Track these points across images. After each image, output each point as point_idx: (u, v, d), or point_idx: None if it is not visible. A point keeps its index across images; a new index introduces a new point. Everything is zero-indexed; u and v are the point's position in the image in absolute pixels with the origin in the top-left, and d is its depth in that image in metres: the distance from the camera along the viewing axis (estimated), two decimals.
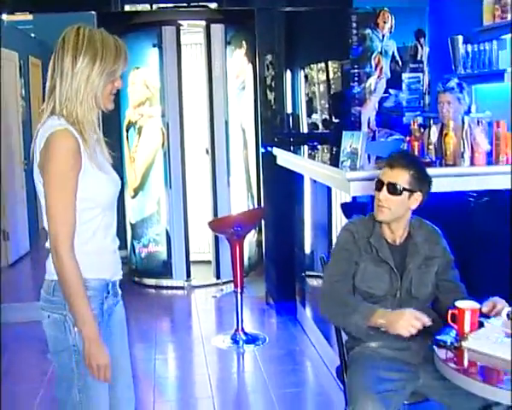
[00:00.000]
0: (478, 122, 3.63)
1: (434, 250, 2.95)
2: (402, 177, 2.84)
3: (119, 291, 2.41)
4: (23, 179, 7.91)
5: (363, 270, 2.90)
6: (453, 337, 2.42)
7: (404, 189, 2.84)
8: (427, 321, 2.63)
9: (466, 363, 2.31)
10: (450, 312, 2.50)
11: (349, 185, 3.44)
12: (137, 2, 7.08)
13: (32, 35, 8.90)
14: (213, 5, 6.47)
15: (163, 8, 6.44)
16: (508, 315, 2.44)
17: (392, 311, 2.75)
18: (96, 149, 2.23)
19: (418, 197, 2.88)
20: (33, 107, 8.59)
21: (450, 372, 2.27)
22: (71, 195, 2.16)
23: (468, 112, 4.62)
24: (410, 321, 2.64)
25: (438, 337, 2.44)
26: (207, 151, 6.57)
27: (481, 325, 2.45)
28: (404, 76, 5.96)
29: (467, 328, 2.42)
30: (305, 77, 6.67)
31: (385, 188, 2.86)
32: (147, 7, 7.57)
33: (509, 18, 4.62)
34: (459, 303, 2.48)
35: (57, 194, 2.15)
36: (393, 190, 2.84)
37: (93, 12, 5.68)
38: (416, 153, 3.84)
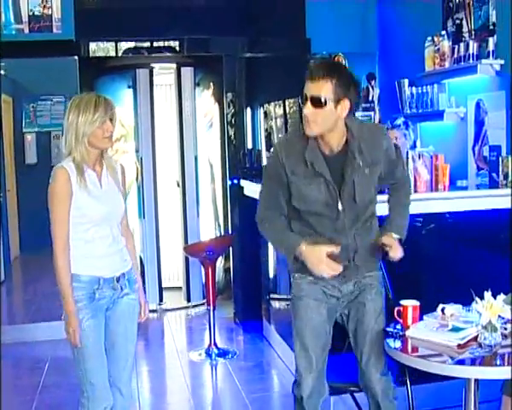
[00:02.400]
0: (419, 156, 4.20)
1: (376, 155, 2.88)
2: (325, 87, 2.70)
3: (125, 285, 3.12)
4: None
5: (296, 190, 2.87)
6: (399, 329, 2.98)
7: (329, 99, 2.71)
8: (339, 269, 2.86)
9: (410, 347, 2.88)
10: (396, 309, 3.06)
11: None
12: (106, 42, 7.56)
13: (2, 72, 9.29)
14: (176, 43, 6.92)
15: (137, 49, 6.92)
16: (442, 310, 3.00)
17: (312, 249, 2.84)
18: (90, 180, 3.01)
19: (346, 104, 2.75)
20: (5, 142, 8.96)
21: (399, 354, 2.83)
22: (62, 214, 2.98)
23: (413, 146, 5.15)
24: (329, 265, 2.82)
25: (387, 329, 3.00)
26: (178, 184, 7.06)
27: (421, 318, 3.02)
28: (357, 115, 6.53)
29: (409, 321, 2.98)
30: (265, 114, 7.18)
31: (309, 102, 2.73)
32: (112, 45, 8.06)
33: (446, 65, 5.16)
34: (403, 302, 3.04)
35: (53, 214, 3.02)
36: (317, 102, 2.71)
37: (75, 57, 6.13)
38: None
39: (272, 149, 3.08)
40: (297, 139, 2.89)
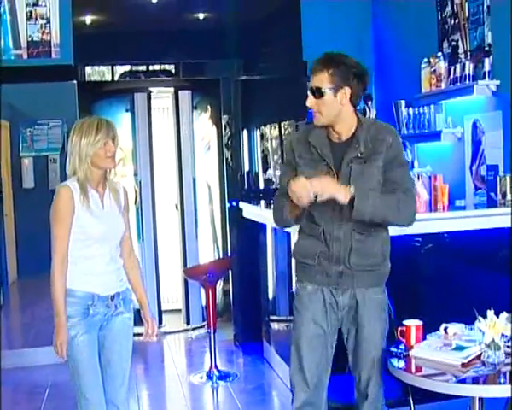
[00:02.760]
0: (418, 177, 4.24)
1: (379, 146, 2.93)
2: (322, 78, 2.86)
3: (120, 305, 3.21)
4: None
5: (301, 173, 2.95)
6: (402, 349, 3.00)
7: (327, 88, 2.86)
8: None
9: (413, 367, 2.89)
10: (399, 329, 3.08)
11: None
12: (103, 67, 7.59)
13: None
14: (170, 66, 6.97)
15: (134, 73, 6.98)
16: (445, 330, 3.02)
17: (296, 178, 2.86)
18: (93, 200, 3.14)
19: (346, 92, 2.87)
20: (2, 167, 8.98)
21: (403, 374, 2.84)
22: (62, 230, 3.09)
23: (411, 167, 5.20)
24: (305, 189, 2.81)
25: (390, 349, 3.02)
26: (177, 206, 7.08)
27: (424, 338, 3.04)
28: None
29: (413, 341, 3.00)
30: (261, 136, 7.21)
31: (309, 93, 2.91)
32: (110, 69, 8.09)
33: (443, 86, 5.22)
34: (406, 322, 3.06)
35: (54, 230, 3.13)
36: (317, 93, 2.88)
37: (74, 81, 6.17)
38: None
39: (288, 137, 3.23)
40: (307, 128, 3.08)
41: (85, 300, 3.12)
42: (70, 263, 3.12)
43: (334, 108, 2.89)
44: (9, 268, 9.18)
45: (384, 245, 3.07)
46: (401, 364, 2.93)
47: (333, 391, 3.27)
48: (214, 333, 5.46)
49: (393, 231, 3.99)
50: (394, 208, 2.95)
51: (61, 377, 5.67)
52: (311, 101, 2.91)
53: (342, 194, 2.85)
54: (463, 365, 2.76)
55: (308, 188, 2.80)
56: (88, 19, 7.13)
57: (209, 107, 7.26)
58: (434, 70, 5.30)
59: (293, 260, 3.23)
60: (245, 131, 6.97)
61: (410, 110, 5.70)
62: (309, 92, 2.91)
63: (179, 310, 7.20)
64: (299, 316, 3.10)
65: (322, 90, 2.87)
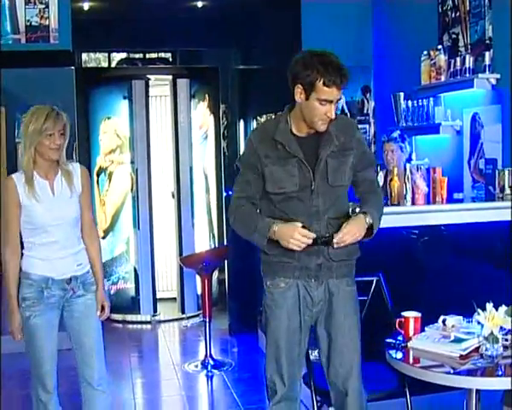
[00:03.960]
0: (417, 168, 4.23)
1: (349, 141, 2.97)
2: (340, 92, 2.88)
3: (79, 288, 3.28)
4: None
5: (269, 174, 2.92)
6: (400, 340, 3.00)
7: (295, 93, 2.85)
8: (313, 235, 2.85)
9: (411, 358, 2.89)
10: (397, 320, 3.08)
11: None
12: (98, 52, 7.54)
13: None
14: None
15: (132, 60, 6.97)
16: (443, 322, 3.03)
17: (285, 226, 2.86)
18: (40, 188, 3.18)
19: (297, 89, 2.84)
20: None
21: (401, 365, 2.85)
22: (8, 219, 3.20)
23: (409, 159, 5.17)
24: (299, 239, 2.83)
25: (388, 340, 3.02)
26: (173, 195, 7.07)
27: (423, 330, 3.04)
28: None
29: (411, 332, 3.00)
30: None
31: (333, 105, 2.85)
32: (108, 56, 8.06)
33: (442, 79, 5.22)
34: (405, 313, 3.06)
35: (2, 219, 3.22)
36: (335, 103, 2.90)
37: (72, 67, 6.14)
38: None
39: (247, 139, 3.15)
40: (269, 125, 3.03)
41: (40, 282, 3.22)
42: (25, 249, 3.25)
43: (297, 106, 2.91)
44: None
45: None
46: (399, 355, 2.93)
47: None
48: (209, 322, 5.46)
49: (391, 222, 4.02)
50: (382, 207, 3.12)
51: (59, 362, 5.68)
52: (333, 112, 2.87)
53: (352, 232, 2.91)
54: (462, 357, 2.76)
55: (308, 237, 2.85)
56: (86, 4, 7.12)
57: (207, 96, 7.24)
58: (434, 63, 5.29)
59: (262, 258, 3.08)
60: (241, 121, 6.96)
61: (409, 102, 5.69)
62: (332, 104, 2.83)
63: (174, 298, 7.20)
64: (272, 314, 3.04)
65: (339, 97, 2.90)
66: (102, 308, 3.38)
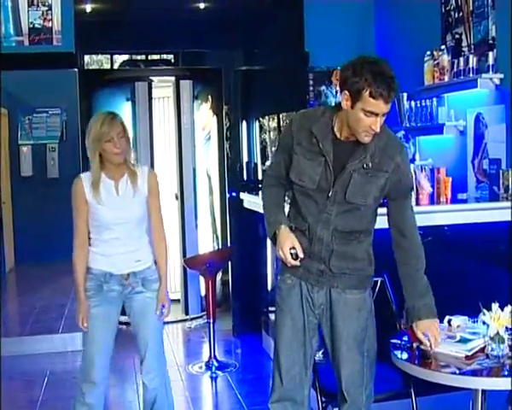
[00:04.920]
0: (422, 169, 4.23)
1: (385, 163, 2.79)
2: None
3: (138, 284, 3.45)
4: None
5: (296, 162, 2.87)
6: (406, 340, 3.00)
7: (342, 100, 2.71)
8: (294, 263, 2.84)
9: (417, 359, 2.89)
10: (402, 321, 3.08)
11: None
12: (100, 54, 7.53)
13: None
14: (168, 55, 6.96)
15: (135, 62, 6.97)
16: (448, 322, 3.02)
17: (285, 233, 2.87)
18: (105, 188, 3.39)
19: (344, 95, 2.70)
20: (2, 154, 8.98)
21: (406, 365, 2.84)
22: (78, 218, 3.44)
23: (412, 160, 5.18)
24: (285, 254, 2.84)
25: (393, 341, 3.01)
26: (177, 197, 7.07)
27: None
28: None
29: None
30: (260, 127, 7.20)
31: (381, 118, 2.69)
32: (107, 58, 8.04)
33: (446, 79, 5.22)
34: None
35: (73, 217, 3.46)
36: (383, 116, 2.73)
37: (75, 69, 6.15)
38: None
39: (289, 120, 3.09)
40: (313, 114, 2.90)
41: (99, 277, 3.44)
42: (91, 245, 3.47)
43: (345, 112, 2.76)
44: (7, 256, 9.21)
45: (369, 250, 2.98)
46: (404, 355, 2.92)
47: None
48: (213, 323, 5.46)
49: None
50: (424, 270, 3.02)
51: (60, 365, 5.69)
52: (380, 125, 2.71)
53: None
54: (467, 357, 2.76)
55: (294, 258, 2.86)
56: (89, 6, 7.12)
57: (210, 97, 7.23)
58: (437, 63, 5.29)
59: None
60: (244, 122, 6.95)
61: (412, 103, 5.68)
62: (379, 117, 2.66)
63: (178, 300, 7.19)
64: (278, 310, 3.05)
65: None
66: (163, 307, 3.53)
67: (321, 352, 4.39)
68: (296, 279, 2.97)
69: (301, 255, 2.86)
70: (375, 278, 3.56)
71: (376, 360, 3.04)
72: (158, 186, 3.53)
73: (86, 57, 8.89)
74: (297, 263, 2.88)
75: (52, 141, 9.68)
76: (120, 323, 6.82)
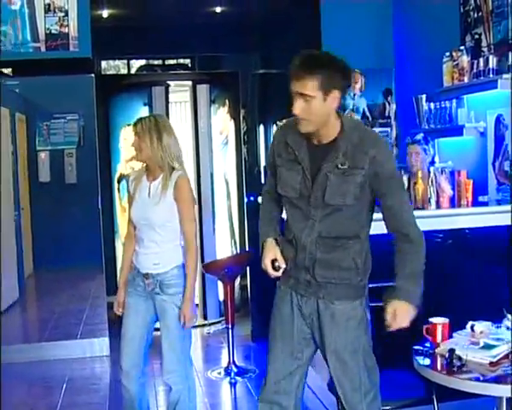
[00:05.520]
0: (442, 171, 4.18)
1: (360, 159, 2.70)
2: (311, 84, 2.61)
3: (156, 286, 3.53)
4: (13, 229, 8.28)
5: (279, 174, 2.86)
6: (428, 346, 2.95)
7: (317, 95, 2.62)
8: (281, 264, 2.85)
9: (439, 365, 2.83)
10: (425, 326, 3.02)
11: None
12: (117, 59, 7.54)
13: (16, 90, 9.34)
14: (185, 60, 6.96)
15: (152, 67, 6.96)
16: (471, 327, 2.97)
17: (269, 246, 2.92)
18: (141, 188, 3.56)
19: (335, 95, 2.65)
20: (20, 160, 9.01)
21: (429, 372, 2.79)
22: (127, 212, 3.72)
23: (432, 162, 5.13)
24: (266, 266, 2.90)
25: (415, 347, 2.96)
26: (194, 201, 7.03)
27: (451, 336, 2.98)
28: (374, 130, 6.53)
29: (439, 338, 2.95)
30: None
31: (297, 99, 2.66)
32: (124, 63, 8.05)
33: (465, 80, 5.16)
34: (433, 319, 3.01)
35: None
36: (306, 99, 2.64)
37: (92, 75, 6.14)
38: None
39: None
40: (290, 124, 2.85)
41: (132, 270, 3.65)
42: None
43: (324, 113, 2.66)
44: (26, 261, 9.22)
45: (358, 258, 2.82)
46: (427, 361, 2.88)
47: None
48: (232, 329, 5.43)
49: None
50: (420, 264, 2.82)
51: (78, 371, 5.68)
52: (300, 108, 2.65)
53: (398, 319, 2.75)
54: (492, 364, 2.71)
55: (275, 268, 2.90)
56: (106, 12, 7.13)
57: (227, 101, 7.21)
58: (457, 64, 5.22)
59: None
60: (262, 126, 6.93)
61: (432, 105, 5.61)
62: (297, 98, 2.65)
63: (196, 305, 7.13)
64: (272, 317, 3.02)
65: (312, 95, 2.61)
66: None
67: None
68: (287, 289, 2.93)
69: (283, 266, 2.87)
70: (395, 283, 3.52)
71: (377, 367, 2.93)
72: (186, 192, 3.52)
73: (104, 62, 8.90)
74: (278, 274, 2.91)
75: (70, 147, 9.66)
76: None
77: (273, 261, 2.90)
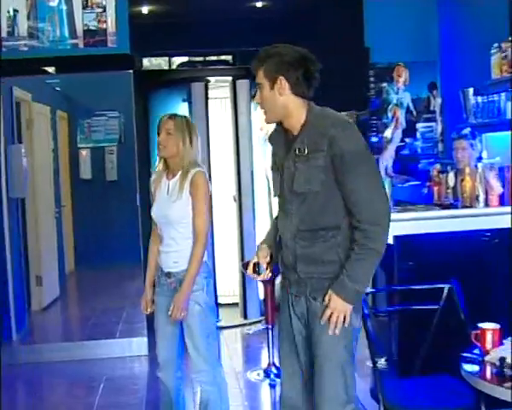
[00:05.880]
0: (490, 168, 4.00)
1: (319, 142, 2.66)
2: (259, 74, 2.75)
3: (177, 284, 3.51)
4: (54, 226, 8.30)
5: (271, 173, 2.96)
6: (477, 354, 2.78)
7: (264, 83, 2.73)
8: (262, 268, 2.90)
9: (489, 374, 2.67)
10: (473, 332, 2.86)
11: None
12: (161, 57, 7.50)
13: (58, 89, 9.37)
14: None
15: (192, 64, 6.87)
16: None
17: (261, 248, 2.95)
18: (161, 186, 3.58)
19: (282, 83, 2.70)
20: (61, 158, 9.03)
21: (477, 381, 2.63)
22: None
23: (479, 158, 4.94)
24: (248, 270, 2.99)
25: (464, 354, 2.80)
26: (234, 198, 6.95)
27: (501, 342, 2.81)
28: (419, 125, 6.36)
29: (489, 345, 2.78)
30: None
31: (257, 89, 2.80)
32: (167, 59, 7.99)
33: None
34: (482, 325, 2.84)
35: None
36: (259, 89, 2.78)
37: (130, 71, 6.07)
38: (437, 197, 4.19)
39: None
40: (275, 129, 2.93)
41: (157, 270, 3.68)
42: None
43: (275, 101, 2.73)
44: (67, 258, 9.26)
45: (341, 250, 2.71)
46: (475, 369, 2.72)
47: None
48: (272, 329, 5.30)
49: (463, 226, 3.78)
50: (368, 263, 2.68)
51: (117, 371, 5.63)
52: (257, 97, 2.81)
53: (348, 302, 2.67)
54: None
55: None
56: (144, 7, 7.06)
57: None
58: (506, 55, 5.03)
59: None
60: None
61: (479, 98, 5.46)
62: (257, 89, 2.80)
63: (236, 304, 7.07)
64: (278, 317, 3.04)
65: (260, 82, 2.75)
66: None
67: (384, 359, 4.20)
68: (284, 290, 2.90)
69: (262, 270, 2.93)
70: (442, 285, 3.36)
71: (355, 380, 2.80)
72: (201, 187, 3.53)
73: (144, 58, 8.87)
74: (258, 278, 3.01)
75: (110, 144, 9.68)
76: None
77: (256, 265, 2.96)
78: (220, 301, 6.94)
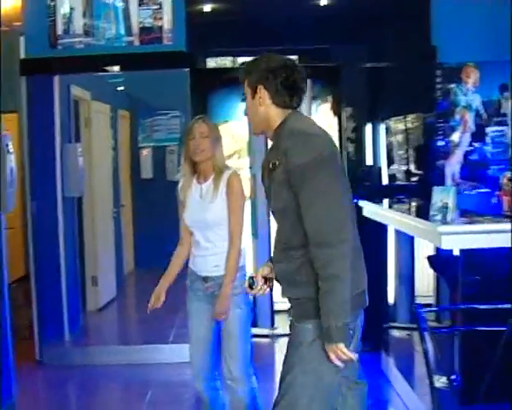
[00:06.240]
0: None
1: (277, 156, 2.58)
2: (245, 84, 2.76)
3: (217, 289, 3.50)
4: (112, 225, 8.25)
5: None
6: None
7: (247, 93, 2.75)
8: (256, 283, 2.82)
9: None
10: None
11: (441, 238, 3.54)
12: (221, 55, 7.34)
13: (119, 88, 9.36)
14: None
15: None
16: None
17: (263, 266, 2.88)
18: (193, 190, 3.59)
19: (262, 92, 2.68)
20: (122, 157, 9.00)
21: None
22: (180, 216, 3.71)
23: None
24: (245, 284, 2.99)
25: None
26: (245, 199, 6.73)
27: None
28: (489, 129, 6.02)
29: None
30: (386, 129, 6.79)
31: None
32: (229, 59, 7.83)
33: None
34: None
35: None
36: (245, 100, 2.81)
37: (186, 69, 5.96)
38: (507, 208, 3.89)
39: None
40: None
41: (190, 274, 3.66)
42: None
43: (256, 111, 2.70)
44: (127, 257, 9.22)
45: (309, 271, 2.57)
46: None
47: None
48: None
49: (498, 242, 3.47)
50: (333, 297, 2.50)
51: (165, 377, 5.52)
52: (245, 108, 2.87)
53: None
54: None
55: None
56: (201, 4, 6.94)
57: (330, 96, 6.86)
58: None
59: None
60: (369, 124, 6.55)
61: None
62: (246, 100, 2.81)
63: (285, 311, 6.84)
64: None
65: (245, 92, 2.76)
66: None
67: (445, 377, 3.91)
68: None
69: (255, 285, 2.84)
70: (504, 305, 3.07)
71: None
72: (238, 188, 3.58)
73: (211, 60, 8.79)
74: (252, 292, 2.89)
75: (172, 143, 9.62)
76: None
77: (250, 279, 2.91)
78: (275, 307, 6.74)
